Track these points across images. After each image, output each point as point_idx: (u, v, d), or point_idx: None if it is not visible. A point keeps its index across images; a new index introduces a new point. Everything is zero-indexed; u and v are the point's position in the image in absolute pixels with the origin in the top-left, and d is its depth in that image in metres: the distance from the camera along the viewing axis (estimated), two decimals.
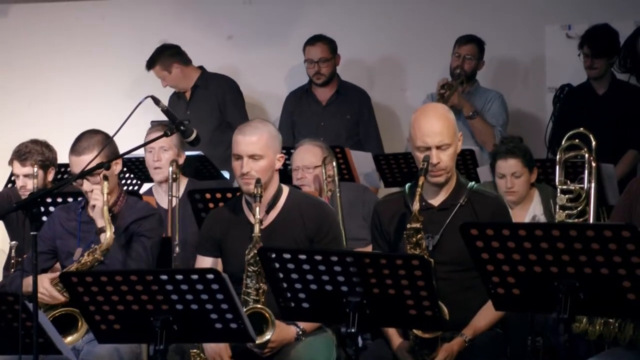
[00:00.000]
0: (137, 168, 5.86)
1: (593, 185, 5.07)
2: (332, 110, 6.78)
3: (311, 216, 4.13)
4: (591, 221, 4.98)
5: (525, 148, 5.25)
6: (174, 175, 5.08)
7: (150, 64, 6.87)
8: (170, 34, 7.43)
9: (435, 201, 4.02)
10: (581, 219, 5.02)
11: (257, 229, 3.95)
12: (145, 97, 4.04)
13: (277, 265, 3.43)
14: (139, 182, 6.07)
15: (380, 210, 4.12)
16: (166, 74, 6.86)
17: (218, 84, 6.97)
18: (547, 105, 6.92)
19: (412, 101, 7.02)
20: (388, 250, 4.05)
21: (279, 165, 4.16)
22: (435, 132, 3.92)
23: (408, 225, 3.85)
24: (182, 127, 4.11)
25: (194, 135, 4.13)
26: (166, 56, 6.85)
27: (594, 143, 5.22)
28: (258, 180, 4.01)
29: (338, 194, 5.27)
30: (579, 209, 5.04)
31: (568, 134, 5.22)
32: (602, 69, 6.33)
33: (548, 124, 6.63)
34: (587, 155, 5.11)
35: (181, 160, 5.25)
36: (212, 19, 7.40)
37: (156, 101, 4.14)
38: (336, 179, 5.32)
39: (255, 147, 4.07)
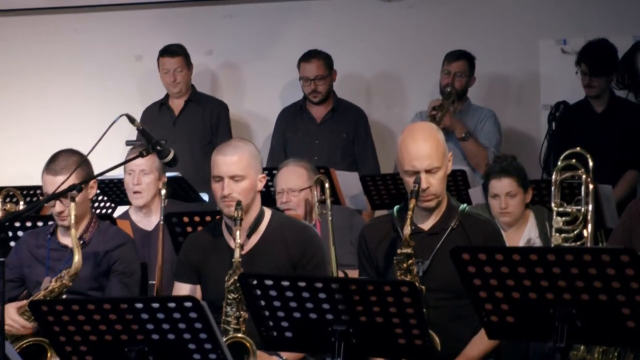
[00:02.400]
0: (111, 190, 5.84)
1: (590, 207, 5.09)
2: (327, 128, 6.79)
3: (295, 240, 4.13)
4: (588, 245, 4.99)
5: (519, 167, 5.26)
6: (164, 199, 5.05)
7: (175, 52, 6.91)
8: (146, 48, 7.44)
9: (425, 225, 4.02)
10: (578, 243, 5.04)
11: (237, 253, 3.95)
12: (120, 116, 4.04)
13: (258, 292, 3.42)
14: (112, 205, 6.05)
15: (367, 234, 4.12)
16: (184, 67, 6.93)
17: (213, 104, 7.05)
18: (541, 123, 6.93)
19: (408, 118, 7.04)
20: (376, 276, 4.05)
21: (260, 186, 4.16)
22: (423, 155, 3.91)
23: (398, 251, 3.85)
24: (158, 147, 4.10)
25: (170, 156, 4.12)
26: (188, 56, 6.95)
27: (591, 163, 5.24)
28: (238, 203, 4.01)
29: (330, 218, 5.25)
30: (575, 232, 5.06)
31: (564, 154, 5.25)
32: (601, 88, 6.34)
33: (543, 143, 6.65)
34: (584, 176, 5.13)
35: (161, 184, 5.24)
36: (190, 33, 7.42)
37: (131, 120, 4.13)
38: (328, 201, 5.30)
39: (236, 167, 4.07)
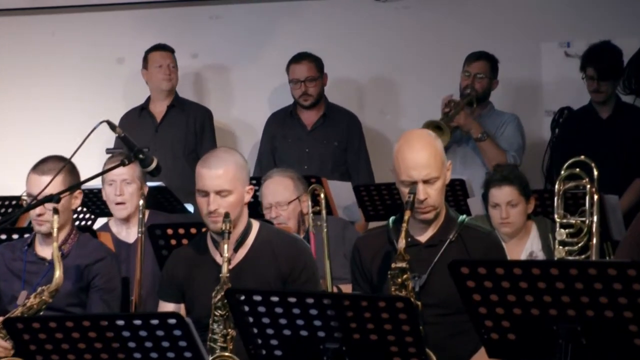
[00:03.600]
0: (91, 201, 5.83)
1: (595, 218, 5.10)
2: (318, 135, 6.80)
3: (284, 254, 4.13)
4: (594, 258, 5.00)
5: (521, 175, 5.28)
6: (141, 209, 5.06)
7: (168, 48, 6.96)
8: (128, 51, 7.44)
9: (423, 237, 4.02)
10: (583, 256, 5.05)
11: (225, 268, 3.94)
12: (100, 122, 4.04)
13: (246, 308, 3.42)
14: (92, 216, 6.04)
15: (361, 247, 4.12)
16: (176, 66, 6.97)
17: (197, 110, 7.06)
18: (544, 130, 6.95)
19: (404, 125, 7.04)
20: (370, 291, 4.05)
21: (248, 198, 4.15)
22: (421, 164, 3.91)
23: (393, 265, 3.84)
24: (140, 156, 4.10)
25: (154, 165, 4.12)
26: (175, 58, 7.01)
27: (596, 172, 5.25)
28: (227, 215, 4.00)
29: (325, 230, 5.25)
30: (580, 244, 5.07)
31: (568, 163, 5.26)
32: (609, 92, 6.36)
33: (545, 151, 6.67)
34: (588, 186, 5.14)
35: (142, 194, 5.25)
36: (174, 35, 7.41)
37: (112, 127, 4.13)
38: (324, 212, 5.29)
39: (222, 181, 4.06)
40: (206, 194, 4.07)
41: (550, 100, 7.05)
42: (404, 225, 3.85)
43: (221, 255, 3.97)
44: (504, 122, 6.54)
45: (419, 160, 3.92)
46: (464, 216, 4.09)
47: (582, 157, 5.30)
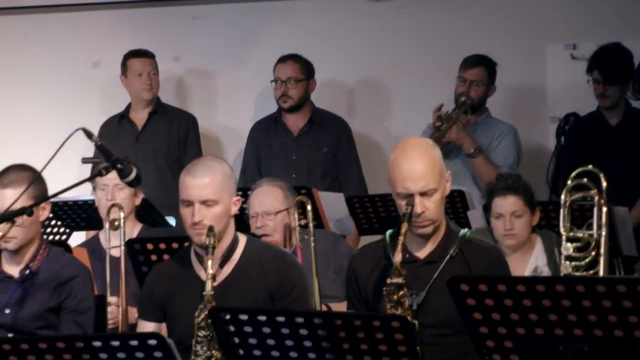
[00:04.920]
0: (66, 213, 5.83)
1: (604, 232, 5.11)
2: (305, 141, 6.82)
3: (273, 269, 4.14)
4: (602, 274, 5.01)
5: (526, 185, 5.29)
6: (116, 223, 5.07)
7: (149, 54, 6.97)
8: (105, 54, 7.44)
9: (421, 253, 4.02)
10: (591, 272, 5.06)
11: (209, 285, 3.94)
12: (76, 130, 4.04)
13: (232, 328, 3.42)
14: (67, 230, 6.03)
15: (357, 265, 4.10)
16: (157, 72, 6.97)
17: (181, 117, 7.07)
18: (549, 138, 6.97)
19: (398, 131, 7.05)
20: (365, 311, 4.05)
21: (235, 210, 4.16)
22: (417, 175, 3.91)
23: (388, 281, 3.84)
24: (119, 165, 4.11)
25: (133, 175, 4.12)
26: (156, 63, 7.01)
27: (604, 183, 5.26)
28: (210, 229, 4.00)
29: (312, 244, 5.25)
30: (588, 259, 5.08)
31: (575, 172, 5.27)
32: (616, 97, 6.38)
33: (550, 161, 6.68)
34: (597, 197, 5.15)
35: (138, 201, 5.29)
36: (155, 38, 7.43)
37: (88, 134, 4.13)
38: (311, 225, 5.30)
39: (207, 190, 4.07)
40: (190, 203, 4.08)
41: (555, 106, 7.07)
42: (401, 238, 3.84)
43: (205, 271, 3.98)
44: (500, 134, 6.56)
45: (415, 171, 3.92)
46: (466, 230, 4.08)
47: (590, 166, 5.31)
